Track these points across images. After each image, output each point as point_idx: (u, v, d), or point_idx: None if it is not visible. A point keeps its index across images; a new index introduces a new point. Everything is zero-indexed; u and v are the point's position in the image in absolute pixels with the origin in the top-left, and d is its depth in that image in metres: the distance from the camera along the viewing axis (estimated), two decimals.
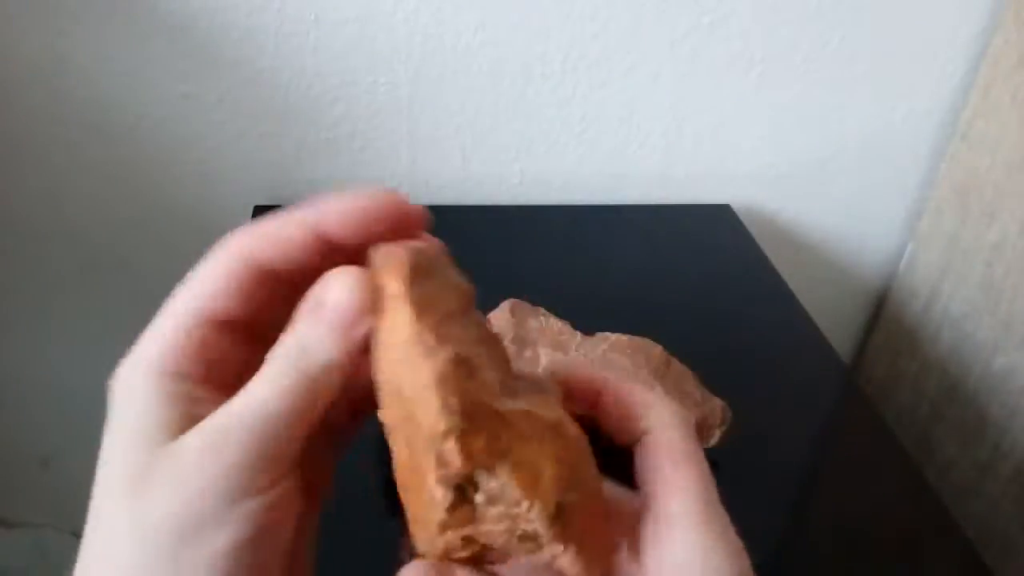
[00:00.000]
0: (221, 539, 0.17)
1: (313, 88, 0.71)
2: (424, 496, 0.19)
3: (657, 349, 0.53)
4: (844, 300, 0.97)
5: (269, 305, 0.21)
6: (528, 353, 0.51)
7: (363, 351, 0.20)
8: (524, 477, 0.19)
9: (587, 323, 0.55)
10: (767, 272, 0.74)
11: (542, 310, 0.55)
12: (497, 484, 0.19)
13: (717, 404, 0.51)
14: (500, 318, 0.53)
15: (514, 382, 0.22)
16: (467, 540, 0.20)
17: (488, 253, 0.73)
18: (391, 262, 0.20)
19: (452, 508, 0.19)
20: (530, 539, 0.19)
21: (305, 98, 0.71)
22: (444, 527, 0.19)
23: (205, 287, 0.20)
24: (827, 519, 0.52)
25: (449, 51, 0.71)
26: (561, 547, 0.19)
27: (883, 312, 0.96)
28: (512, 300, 0.55)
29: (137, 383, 0.19)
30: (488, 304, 0.58)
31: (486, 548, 0.20)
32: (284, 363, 0.19)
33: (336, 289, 0.19)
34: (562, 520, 0.19)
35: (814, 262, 0.92)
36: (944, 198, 0.84)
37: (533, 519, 0.19)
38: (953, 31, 0.78)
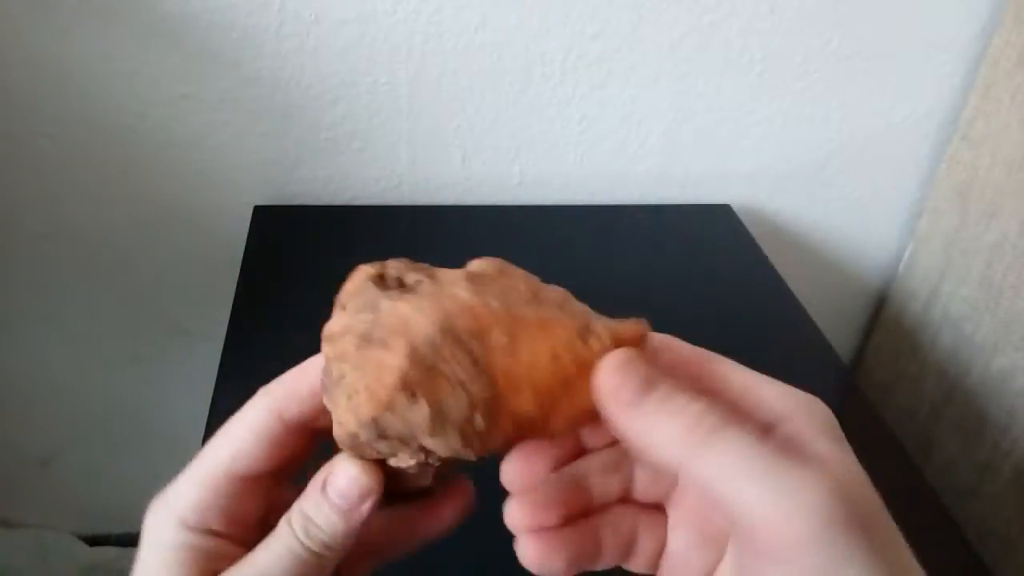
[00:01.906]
0: None
1: (313, 88, 0.71)
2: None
3: None
4: (844, 300, 0.97)
5: (292, 453, 0.23)
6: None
7: (364, 524, 0.22)
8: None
9: None
10: (767, 272, 0.74)
11: None
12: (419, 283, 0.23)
13: None
14: None
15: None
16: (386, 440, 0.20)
17: (488, 253, 0.72)
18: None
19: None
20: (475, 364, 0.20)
21: (305, 98, 0.71)
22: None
23: (235, 444, 0.23)
24: None
25: (449, 51, 0.71)
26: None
27: (883, 312, 0.96)
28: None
29: (165, 536, 0.21)
30: None
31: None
32: (288, 538, 0.21)
33: (342, 476, 0.21)
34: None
35: (814, 262, 0.92)
36: (944, 198, 0.84)
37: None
38: (953, 31, 0.78)
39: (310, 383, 0.23)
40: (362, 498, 0.21)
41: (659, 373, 0.21)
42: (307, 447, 0.23)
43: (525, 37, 0.71)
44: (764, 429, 0.21)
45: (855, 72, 0.79)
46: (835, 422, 0.22)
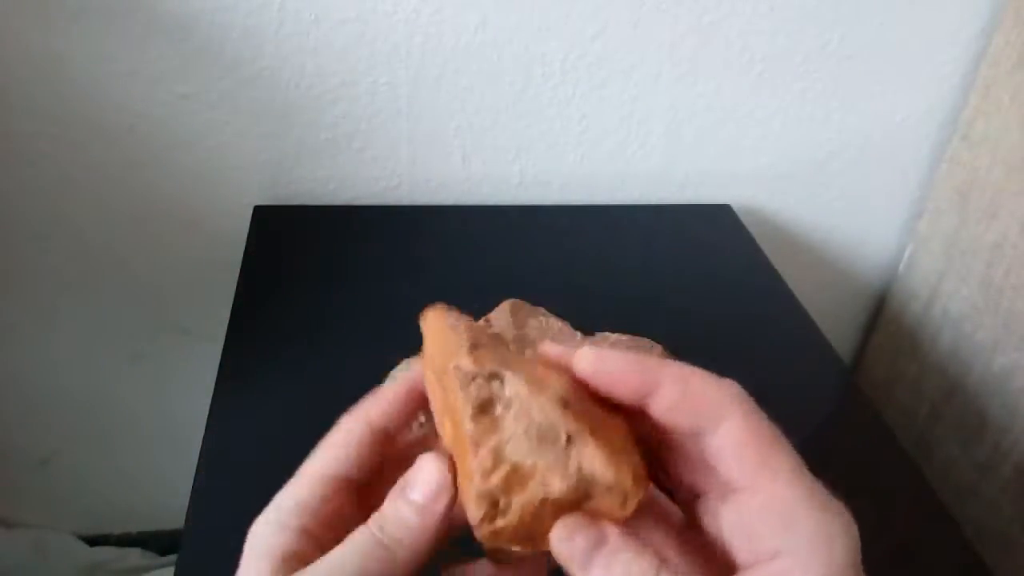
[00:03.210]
0: None
1: (313, 88, 0.71)
2: (462, 446, 0.22)
3: (657, 349, 0.53)
4: (844, 300, 0.97)
5: (382, 463, 0.25)
6: (528, 353, 0.51)
7: (439, 523, 0.23)
8: (531, 380, 0.22)
9: (587, 323, 0.55)
10: (767, 272, 0.74)
11: (542, 310, 0.55)
12: (510, 389, 0.22)
13: None
14: (500, 318, 0.53)
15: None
16: (496, 456, 0.21)
17: (488, 253, 0.73)
18: (461, 326, 0.25)
19: (477, 415, 0.21)
20: (550, 437, 0.21)
21: (305, 98, 0.71)
22: (475, 443, 0.21)
23: (335, 451, 0.24)
24: None
25: (449, 51, 0.71)
26: (586, 435, 0.21)
27: (883, 313, 0.96)
28: (512, 300, 0.55)
29: (264, 538, 0.23)
30: (488, 304, 0.58)
31: (516, 472, 0.21)
32: (362, 533, 0.22)
33: (422, 472, 0.23)
34: (572, 409, 0.21)
35: (814, 262, 0.92)
36: (944, 198, 0.84)
37: (544, 405, 0.21)
38: (953, 31, 0.78)
39: (395, 393, 0.25)
40: (438, 495, 0.22)
41: (607, 531, 0.21)
42: (395, 462, 0.25)
43: (525, 37, 0.71)
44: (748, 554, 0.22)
45: (855, 72, 0.79)
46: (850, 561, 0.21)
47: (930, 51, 0.79)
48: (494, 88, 0.74)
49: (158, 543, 0.98)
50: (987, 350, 0.79)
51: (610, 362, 0.23)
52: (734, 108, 0.79)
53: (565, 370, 0.23)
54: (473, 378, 0.22)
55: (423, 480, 0.23)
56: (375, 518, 0.23)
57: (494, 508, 0.21)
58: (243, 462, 0.50)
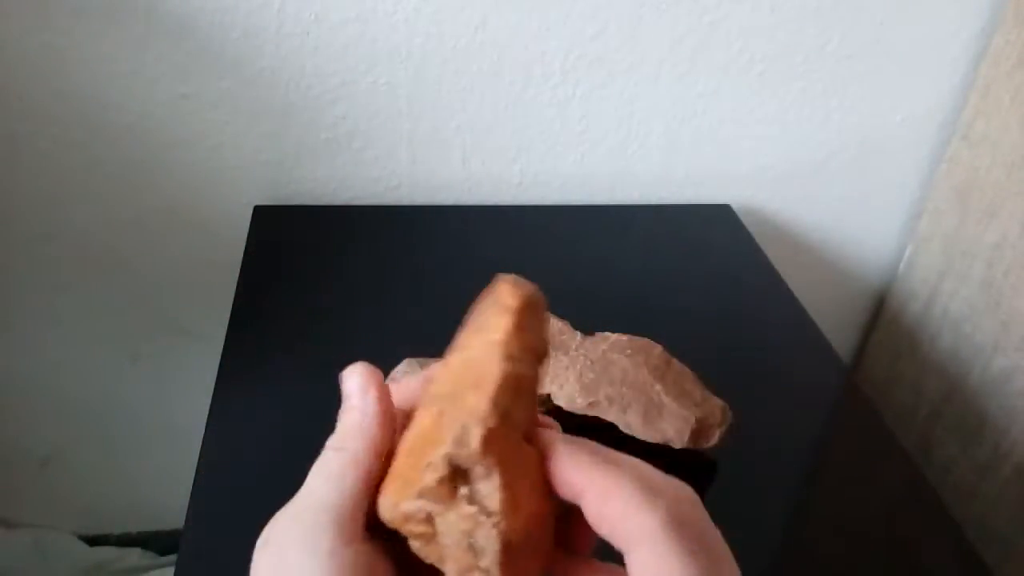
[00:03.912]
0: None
1: (313, 88, 0.71)
2: (420, 463, 0.21)
3: (657, 349, 0.53)
4: (844, 300, 0.97)
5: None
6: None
7: (384, 407, 0.24)
8: (508, 500, 0.21)
9: (587, 323, 0.55)
10: (767, 272, 0.74)
11: None
12: (486, 489, 0.21)
13: (717, 404, 0.51)
14: None
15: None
16: (427, 519, 0.22)
17: (488, 253, 0.73)
18: (520, 285, 0.24)
19: (441, 482, 0.21)
20: (472, 555, 0.21)
21: (305, 98, 0.71)
22: (422, 494, 0.21)
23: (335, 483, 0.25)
24: (827, 519, 0.52)
25: (449, 51, 0.71)
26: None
27: (883, 312, 0.96)
28: None
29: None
30: None
31: (429, 538, 0.22)
32: (319, 459, 0.24)
33: (349, 379, 0.25)
34: (512, 558, 0.21)
35: (814, 262, 0.92)
36: (944, 198, 0.84)
37: (492, 538, 0.21)
38: (953, 31, 0.78)
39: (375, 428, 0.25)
40: (366, 388, 0.24)
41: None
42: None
43: (525, 37, 0.71)
44: None
45: (855, 72, 0.79)
46: None
47: (930, 51, 0.79)
48: (494, 88, 0.74)
49: (158, 543, 0.98)
50: (987, 351, 0.79)
51: (563, 465, 0.22)
52: (734, 108, 0.79)
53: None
54: (455, 465, 0.21)
55: (350, 386, 0.24)
56: (327, 445, 0.24)
57: (397, 524, 0.22)
58: (243, 462, 0.50)
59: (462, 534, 0.21)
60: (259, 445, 0.51)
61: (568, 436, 0.23)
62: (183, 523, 0.46)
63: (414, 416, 0.24)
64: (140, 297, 0.80)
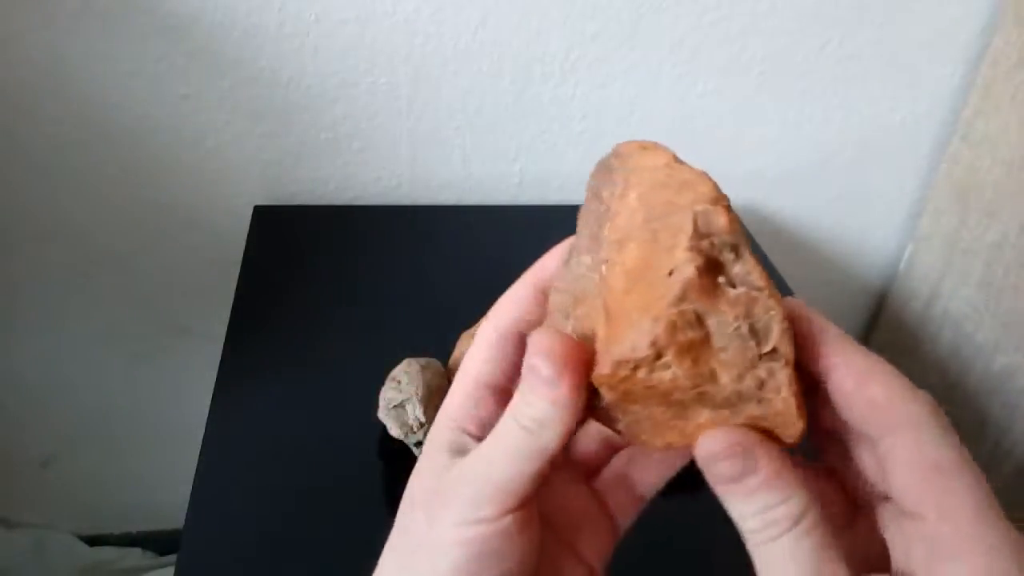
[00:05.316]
0: (454, 552, 0.22)
1: (313, 88, 0.71)
2: (659, 281, 0.19)
3: None
4: (844, 300, 0.97)
5: (518, 364, 0.24)
6: None
7: (581, 392, 0.21)
8: (763, 275, 0.20)
9: None
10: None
11: None
12: (743, 271, 0.20)
13: None
14: None
15: None
16: (696, 322, 0.19)
17: (488, 253, 0.73)
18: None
19: (700, 272, 0.19)
20: (755, 342, 0.19)
21: (305, 98, 0.71)
22: (681, 298, 0.19)
23: (474, 361, 0.25)
24: None
25: (449, 51, 0.71)
26: (788, 365, 0.19)
27: (883, 312, 0.96)
28: None
29: (439, 434, 0.25)
30: (488, 305, 0.58)
31: (702, 344, 0.19)
32: (501, 426, 0.23)
33: (538, 353, 0.21)
34: (789, 333, 0.19)
35: (814, 262, 0.92)
36: (944, 198, 0.84)
37: (772, 308, 0.19)
38: (953, 31, 0.78)
39: (517, 291, 0.26)
40: (560, 372, 0.21)
41: (760, 462, 0.21)
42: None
43: (525, 37, 0.71)
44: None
45: (855, 72, 0.79)
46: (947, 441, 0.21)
47: (930, 51, 0.79)
48: (494, 88, 0.74)
49: (158, 543, 0.98)
50: (987, 350, 0.79)
51: (817, 334, 0.21)
52: (734, 108, 0.79)
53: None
54: (707, 237, 0.20)
55: (543, 368, 0.21)
56: (510, 408, 0.23)
57: (654, 350, 0.19)
58: (243, 462, 0.50)
59: (739, 321, 0.19)
60: (259, 445, 0.51)
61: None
62: (183, 523, 0.46)
63: (599, 280, 0.21)
64: (140, 297, 0.81)
